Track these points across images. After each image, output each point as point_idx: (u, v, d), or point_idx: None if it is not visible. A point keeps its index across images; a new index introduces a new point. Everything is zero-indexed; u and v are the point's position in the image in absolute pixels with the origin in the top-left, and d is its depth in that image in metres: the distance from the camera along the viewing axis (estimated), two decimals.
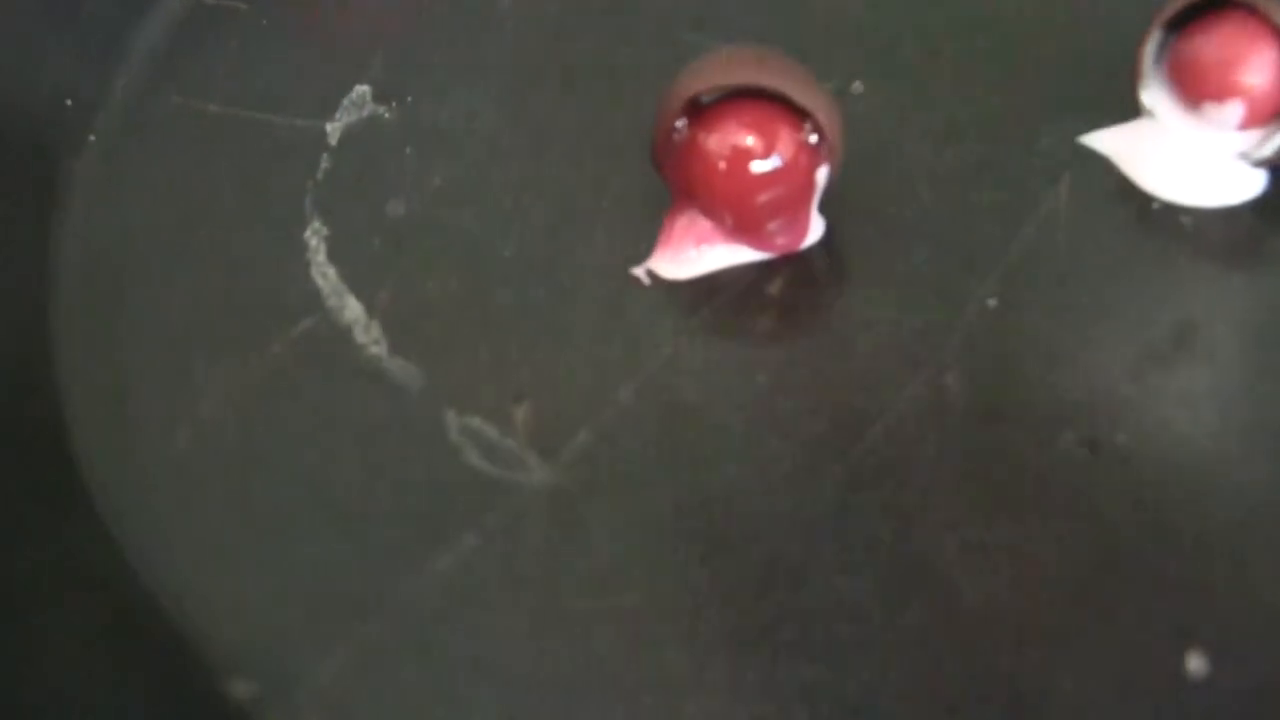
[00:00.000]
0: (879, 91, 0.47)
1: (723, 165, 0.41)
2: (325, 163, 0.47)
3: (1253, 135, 0.43)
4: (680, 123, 0.42)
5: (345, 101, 0.48)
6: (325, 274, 0.43)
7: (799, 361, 0.42)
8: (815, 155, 0.42)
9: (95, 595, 0.39)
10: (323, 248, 0.44)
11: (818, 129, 0.41)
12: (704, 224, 0.43)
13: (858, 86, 0.47)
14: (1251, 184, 0.43)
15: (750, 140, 0.42)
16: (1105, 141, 0.45)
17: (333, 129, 0.47)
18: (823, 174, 0.42)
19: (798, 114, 0.41)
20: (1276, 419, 0.39)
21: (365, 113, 0.48)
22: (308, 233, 0.45)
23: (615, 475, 0.40)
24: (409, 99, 0.48)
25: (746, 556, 0.38)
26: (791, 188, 0.42)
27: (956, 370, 0.41)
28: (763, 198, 0.42)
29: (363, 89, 0.48)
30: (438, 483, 0.40)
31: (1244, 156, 0.43)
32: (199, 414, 0.42)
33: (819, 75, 0.43)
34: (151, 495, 0.41)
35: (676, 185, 0.42)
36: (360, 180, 0.46)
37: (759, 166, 0.42)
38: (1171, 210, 0.43)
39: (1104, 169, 0.45)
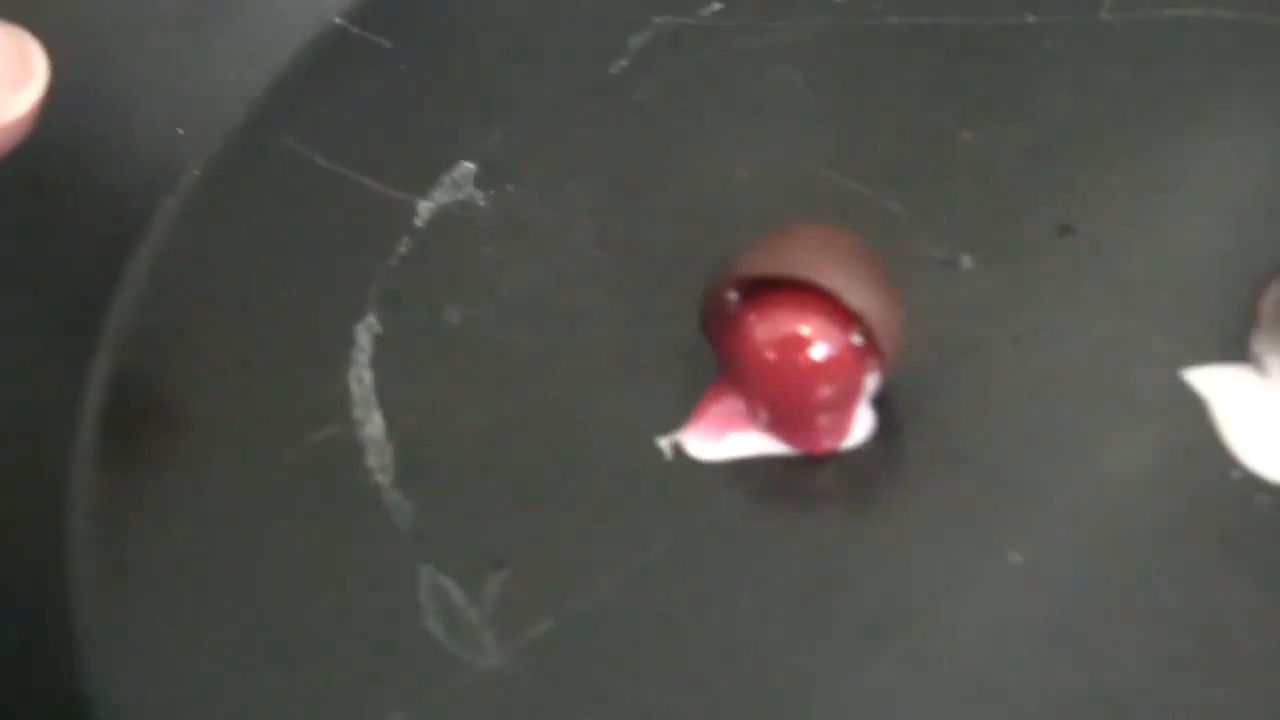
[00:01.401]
0: (986, 273, 0.43)
1: (767, 354, 0.39)
2: (404, 246, 0.45)
3: None
4: (732, 295, 0.39)
5: (446, 178, 0.47)
6: (362, 379, 0.43)
7: (788, 584, 0.39)
8: (863, 358, 0.39)
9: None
10: (369, 347, 0.43)
11: (867, 333, 0.38)
12: (743, 405, 0.40)
13: (967, 262, 0.43)
14: None
15: (795, 334, 0.39)
16: (1208, 381, 0.41)
17: (424, 208, 0.46)
18: (872, 379, 0.39)
19: (849, 314, 0.38)
20: None
21: (462, 195, 0.46)
22: (360, 327, 0.44)
23: (565, 677, 0.38)
24: (509, 187, 0.46)
25: None
26: (835, 388, 0.39)
27: (944, 636, 0.37)
28: (802, 394, 0.40)
29: (468, 167, 0.47)
30: (390, 643, 0.39)
31: None
32: (200, 512, 0.42)
33: (930, 238, 0.42)
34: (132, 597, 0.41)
35: (722, 359, 0.40)
36: (431, 275, 0.45)
37: (802, 362, 0.39)
38: (1250, 483, 0.39)
39: (1197, 415, 0.40)
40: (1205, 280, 0.43)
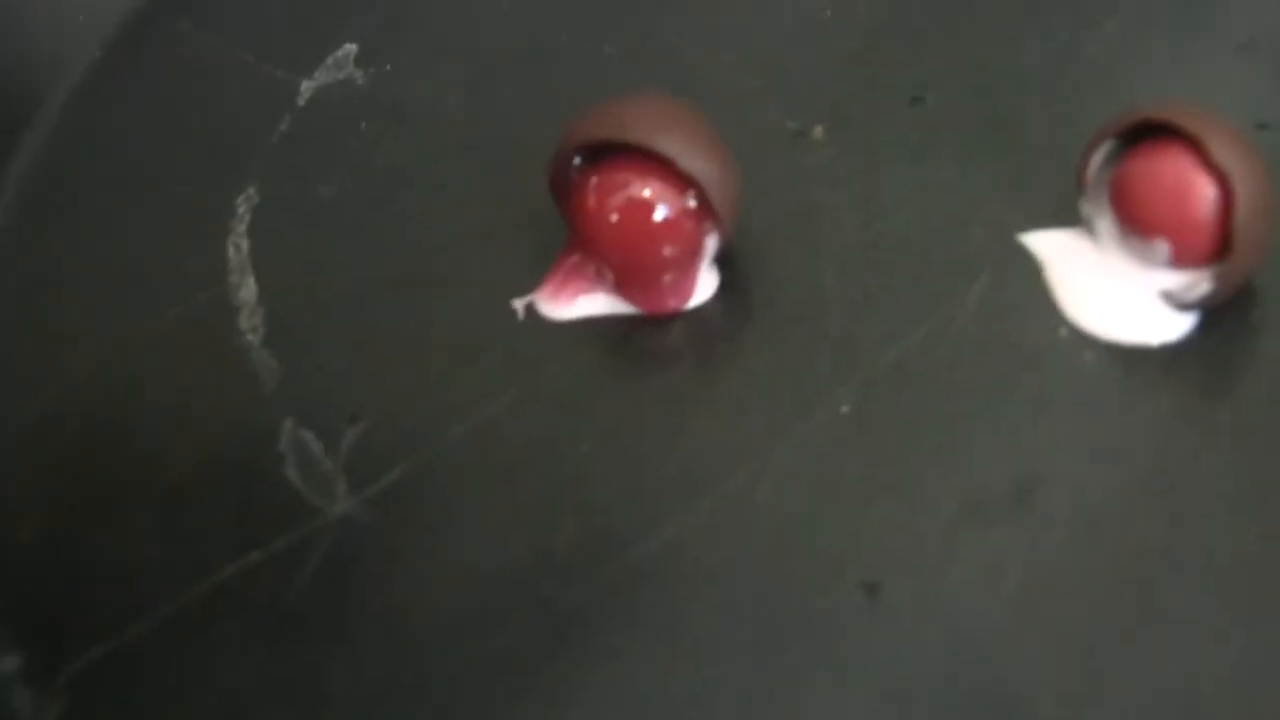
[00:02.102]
0: (837, 142, 0.45)
1: (609, 216, 0.41)
2: (285, 124, 0.47)
3: (1181, 276, 0.40)
4: (575, 162, 0.41)
5: (329, 59, 0.49)
6: (239, 246, 0.45)
7: (627, 436, 0.41)
8: (700, 220, 0.40)
9: None
10: (248, 217, 0.45)
11: (701, 198, 0.39)
12: (591, 268, 0.42)
13: (819, 132, 0.45)
14: (1170, 328, 0.40)
15: (634, 196, 0.41)
16: (1041, 244, 0.42)
17: (306, 87, 0.48)
18: (711, 241, 0.41)
19: (685, 178, 0.40)
20: (1070, 615, 0.37)
21: (342, 74, 0.48)
22: (241, 198, 0.45)
23: (409, 522, 0.40)
24: (387, 67, 0.48)
25: (511, 638, 0.38)
26: (675, 248, 0.41)
27: (774, 479, 0.39)
28: (644, 254, 0.42)
29: (350, 48, 0.49)
30: (252, 490, 0.41)
31: (1167, 297, 0.40)
32: (69, 373, 0.44)
33: (785, 111, 0.44)
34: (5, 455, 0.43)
35: (570, 223, 0.42)
36: (309, 151, 0.46)
37: (642, 223, 0.41)
38: (1078, 341, 0.41)
39: (1029, 276, 0.42)
40: (1045, 147, 0.45)
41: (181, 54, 0.49)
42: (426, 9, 0.49)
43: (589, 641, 0.37)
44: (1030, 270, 0.42)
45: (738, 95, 0.46)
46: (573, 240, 0.42)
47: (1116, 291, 0.41)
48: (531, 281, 0.43)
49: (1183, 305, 0.40)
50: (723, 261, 0.42)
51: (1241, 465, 0.38)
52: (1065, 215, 0.42)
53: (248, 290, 0.43)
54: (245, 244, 0.44)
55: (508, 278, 0.43)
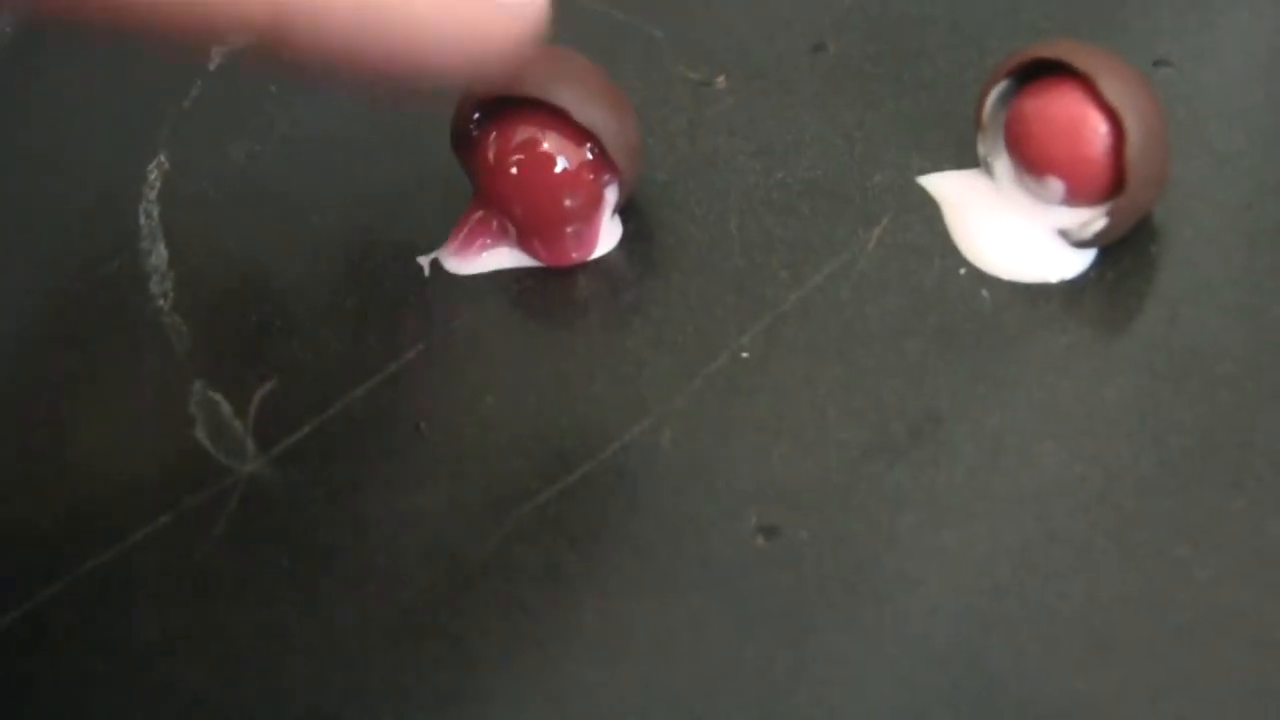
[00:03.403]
0: (739, 91, 0.45)
1: (508, 168, 0.42)
2: (196, 89, 0.47)
3: (1077, 213, 0.40)
4: (475, 117, 0.41)
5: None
6: (150, 213, 0.45)
7: (533, 386, 0.41)
8: (599, 171, 0.41)
9: None
10: (159, 184, 0.45)
11: (599, 148, 0.40)
12: (494, 222, 0.42)
13: (721, 82, 0.45)
14: (1067, 265, 0.41)
15: (533, 149, 0.42)
16: (940, 186, 0.43)
17: (217, 53, 0.48)
18: (612, 192, 0.41)
19: (582, 129, 0.40)
20: (969, 551, 0.37)
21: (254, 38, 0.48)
22: (152, 165, 0.46)
23: (317, 480, 0.40)
24: None
25: (418, 589, 0.39)
26: (576, 199, 0.42)
27: (678, 425, 0.39)
28: (546, 206, 0.42)
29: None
30: (161, 452, 0.41)
31: (1064, 235, 0.40)
32: None
33: (688, 62, 0.45)
34: None
35: (473, 178, 0.42)
36: (218, 116, 0.47)
37: (542, 175, 0.42)
38: (975, 280, 0.41)
39: (929, 218, 0.42)
40: (947, 90, 0.45)
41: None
42: None
43: (496, 591, 0.38)
44: (930, 212, 0.43)
45: (641, 47, 0.47)
46: (476, 195, 0.42)
47: (1014, 230, 0.41)
48: (439, 237, 0.43)
49: (1079, 242, 0.40)
50: (626, 212, 0.43)
51: (1140, 397, 0.39)
52: (966, 157, 0.43)
53: (158, 256, 0.44)
54: (156, 211, 0.45)
55: (416, 234, 0.44)
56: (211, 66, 0.48)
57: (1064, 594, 0.36)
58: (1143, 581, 0.36)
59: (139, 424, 0.41)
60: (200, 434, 0.40)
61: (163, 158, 0.45)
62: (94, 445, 0.41)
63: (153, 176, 0.45)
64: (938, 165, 0.43)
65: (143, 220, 0.44)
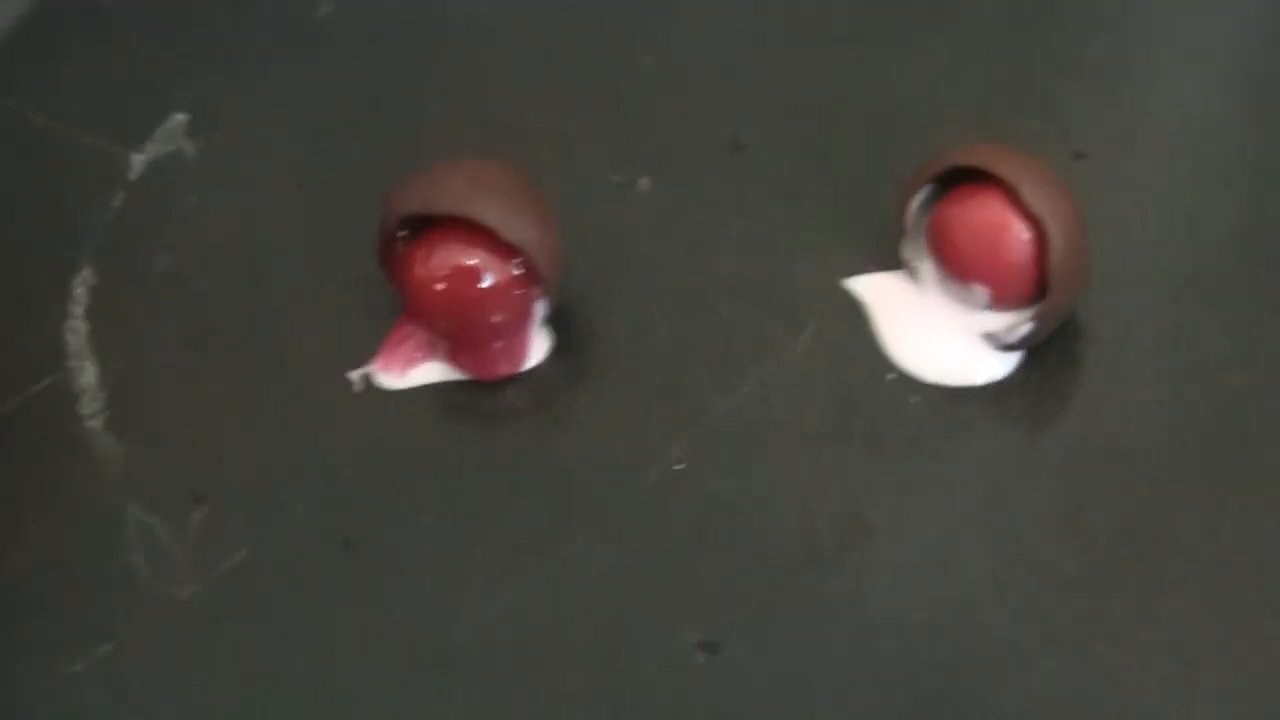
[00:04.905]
0: (664, 192, 0.46)
1: (435, 287, 0.42)
2: (118, 200, 0.47)
3: (1002, 317, 0.41)
4: (401, 234, 0.41)
5: (158, 130, 0.49)
6: (77, 331, 0.45)
7: (469, 501, 0.42)
8: (527, 285, 0.41)
9: None
10: (84, 300, 0.45)
11: (526, 264, 0.40)
12: (424, 337, 0.42)
13: (644, 183, 0.45)
14: (994, 367, 0.41)
15: (459, 267, 0.42)
16: (866, 289, 0.43)
17: (137, 160, 0.48)
18: (540, 305, 0.41)
19: (509, 245, 0.40)
20: (901, 656, 0.38)
21: (172, 146, 0.48)
22: (76, 280, 0.46)
23: (256, 601, 0.40)
24: (217, 136, 0.48)
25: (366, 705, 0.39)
26: (504, 315, 0.42)
27: (610, 539, 0.40)
28: (473, 323, 0.42)
29: (180, 118, 0.49)
30: (97, 580, 0.41)
31: (990, 338, 0.41)
32: None
33: (609, 166, 0.44)
34: None
35: (400, 294, 0.42)
36: (142, 226, 0.47)
37: (469, 293, 0.42)
38: (903, 385, 0.42)
39: (855, 321, 0.43)
40: (867, 191, 0.45)
41: (7, 133, 0.48)
42: (256, 73, 0.49)
43: (442, 713, 0.38)
44: (856, 315, 0.43)
45: (561, 149, 0.47)
46: (405, 310, 0.42)
47: (940, 334, 0.42)
48: (368, 348, 0.43)
49: (1005, 345, 0.41)
50: (554, 320, 0.43)
51: (1066, 498, 0.40)
52: (889, 255, 0.43)
53: (87, 375, 0.43)
54: (83, 327, 0.44)
55: (344, 346, 0.44)
56: (132, 175, 0.47)
57: (991, 693, 0.37)
58: (1070, 684, 0.37)
59: (72, 550, 0.41)
60: (135, 559, 0.41)
61: (88, 272, 0.46)
62: (25, 574, 0.41)
63: (78, 292, 0.45)
64: (861, 263, 0.44)
65: (69, 338, 0.44)
